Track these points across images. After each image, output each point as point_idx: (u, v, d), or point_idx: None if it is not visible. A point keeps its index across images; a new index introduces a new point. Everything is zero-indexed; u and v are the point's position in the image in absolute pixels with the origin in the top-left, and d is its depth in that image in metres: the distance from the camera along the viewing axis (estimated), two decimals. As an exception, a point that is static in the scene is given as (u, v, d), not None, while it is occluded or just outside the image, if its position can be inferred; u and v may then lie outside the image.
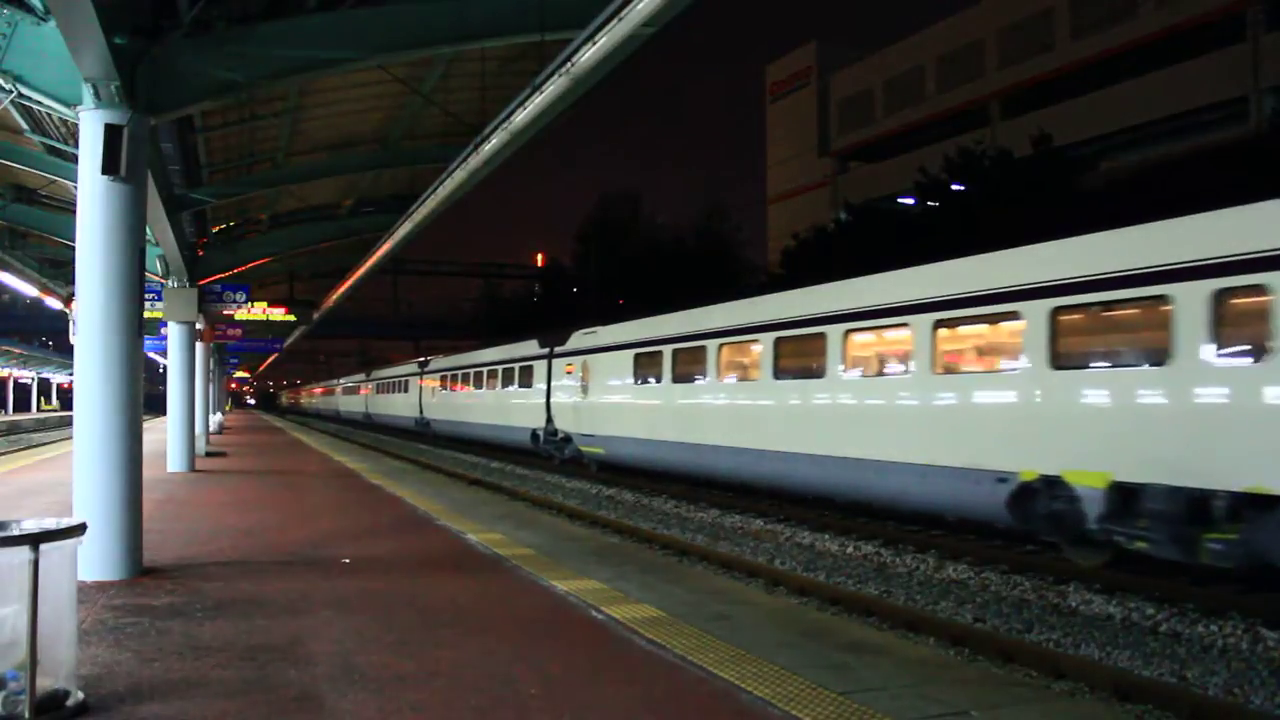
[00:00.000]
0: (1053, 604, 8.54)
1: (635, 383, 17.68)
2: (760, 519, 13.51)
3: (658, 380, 16.84)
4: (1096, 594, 8.62)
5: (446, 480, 17.81)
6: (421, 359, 38.13)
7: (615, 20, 7.04)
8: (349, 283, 24.13)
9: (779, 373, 13.51)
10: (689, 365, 15.86)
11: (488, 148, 10.52)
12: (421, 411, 35.87)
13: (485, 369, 27.65)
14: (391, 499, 12.57)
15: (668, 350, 16.51)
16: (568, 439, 20.95)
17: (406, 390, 39.05)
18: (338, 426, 55.11)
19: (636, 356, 17.59)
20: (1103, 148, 29.12)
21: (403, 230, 16.08)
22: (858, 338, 12.20)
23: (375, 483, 14.88)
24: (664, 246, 46.84)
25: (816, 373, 12.65)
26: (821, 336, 12.49)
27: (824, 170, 49.11)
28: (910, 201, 30.30)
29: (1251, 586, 8.41)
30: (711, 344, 15.13)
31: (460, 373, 30.58)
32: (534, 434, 22.90)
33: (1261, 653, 6.97)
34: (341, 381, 65.38)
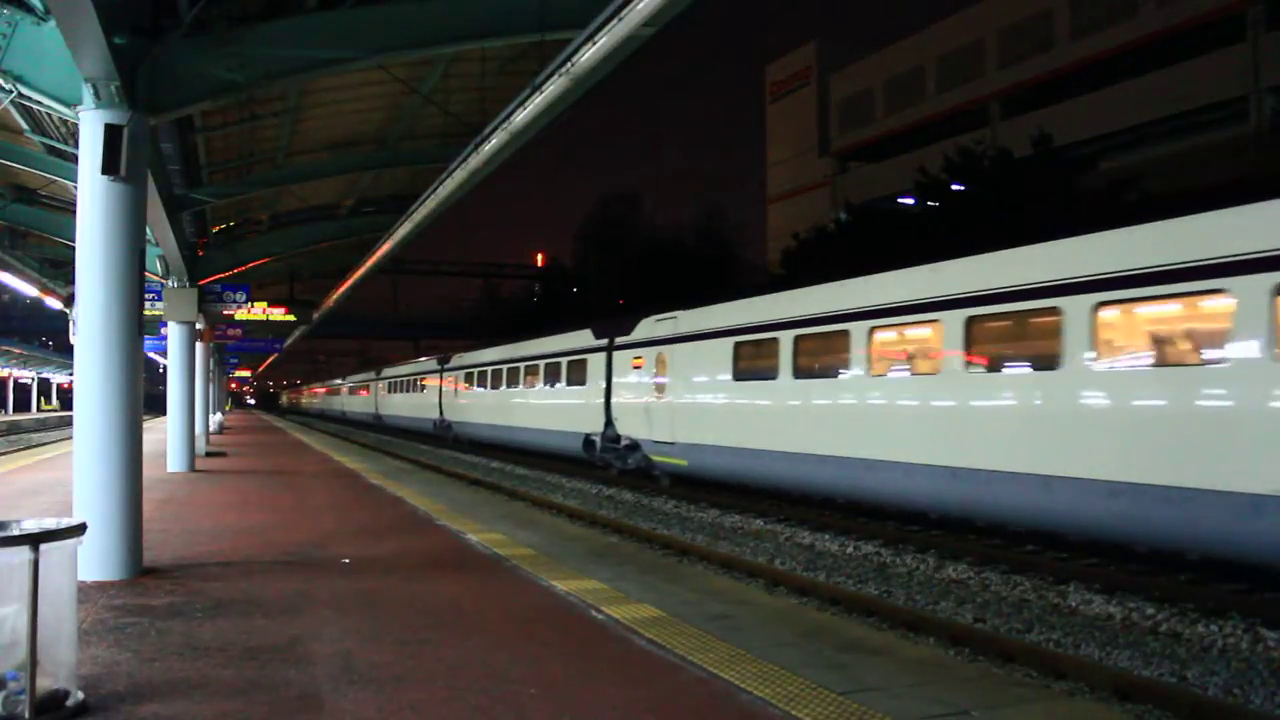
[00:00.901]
0: (1053, 604, 8.54)
1: (735, 379, 14.36)
2: (760, 519, 13.51)
3: (770, 375, 13.45)
4: (1096, 594, 8.61)
5: (446, 480, 17.81)
6: (442, 355, 34.83)
7: (615, 20, 7.04)
8: (349, 283, 24.12)
9: (990, 362, 10.20)
10: (822, 355, 12.70)
11: (488, 148, 10.52)
12: (442, 413, 32.79)
13: (523, 365, 24.35)
14: (392, 499, 12.57)
15: (787, 338, 13.13)
16: (634, 447, 17.66)
17: (424, 390, 35.98)
18: (339, 426, 54.95)
19: (738, 346, 14.30)
20: (1103, 148, 29.07)
21: (403, 230, 16.08)
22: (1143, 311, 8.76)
23: (375, 483, 14.88)
24: (664, 246, 46.83)
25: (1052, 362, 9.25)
26: (1056, 312, 9.20)
27: (824, 170, 49.08)
28: (910, 201, 30.29)
29: (1252, 586, 8.42)
30: (858, 327, 11.66)
31: (491, 370, 27.21)
32: (588, 440, 19.68)
33: (1261, 653, 6.97)
34: (347, 380, 62.58)
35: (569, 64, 7.89)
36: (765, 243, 49.46)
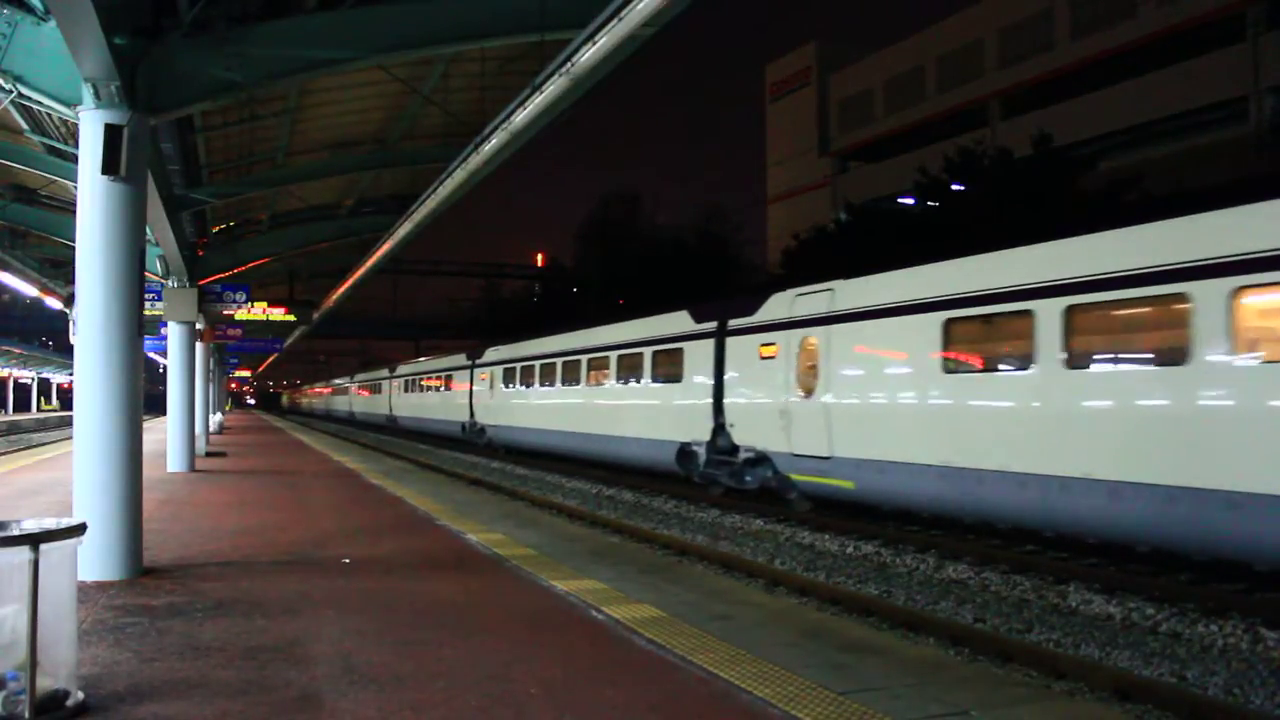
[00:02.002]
0: (1053, 604, 8.54)
1: (946, 370, 10.50)
2: (760, 519, 13.50)
3: (1019, 364, 9.72)
4: (1096, 594, 8.61)
5: (446, 480, 17.82)
6: (472, 348, 30.63)
7: (615, 20, 7.05)
8: (349, 283, 24.13)
9: None
10: (1137, 332, 9.10)
11: (488, 148, 10.52)
12: (473, 415, 28.77)
13: (585, 358, 20.35)
14: (392, 499, 12.57)
15: (1052, 310, 9.16)
16: (758, 461, 13.82)
17: (449, 388, 32.08)
18: (339, 426, 54.76)
19: (951, 325, 10.45)
20: (1103, 148, 29.10)
21: (403, 230, 16.09)
22: None
23: (375, 483, 14.89)
24: (664, 246, 46.83)
25: None
26: None
27: (824, 170, 49.12)
28: (910, 201, 30.30)
29: (1252, 586, 8.42)
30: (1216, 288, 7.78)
31: (540, 364, 23.00)
32: (685, 451, 15.79)
33: (1261, 653, 6.97)
34: (356, 379, 58.43)
35: (569, 64, 7.89)
36: (765, 243, 49.50)
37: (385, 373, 46.41)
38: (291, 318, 23.49)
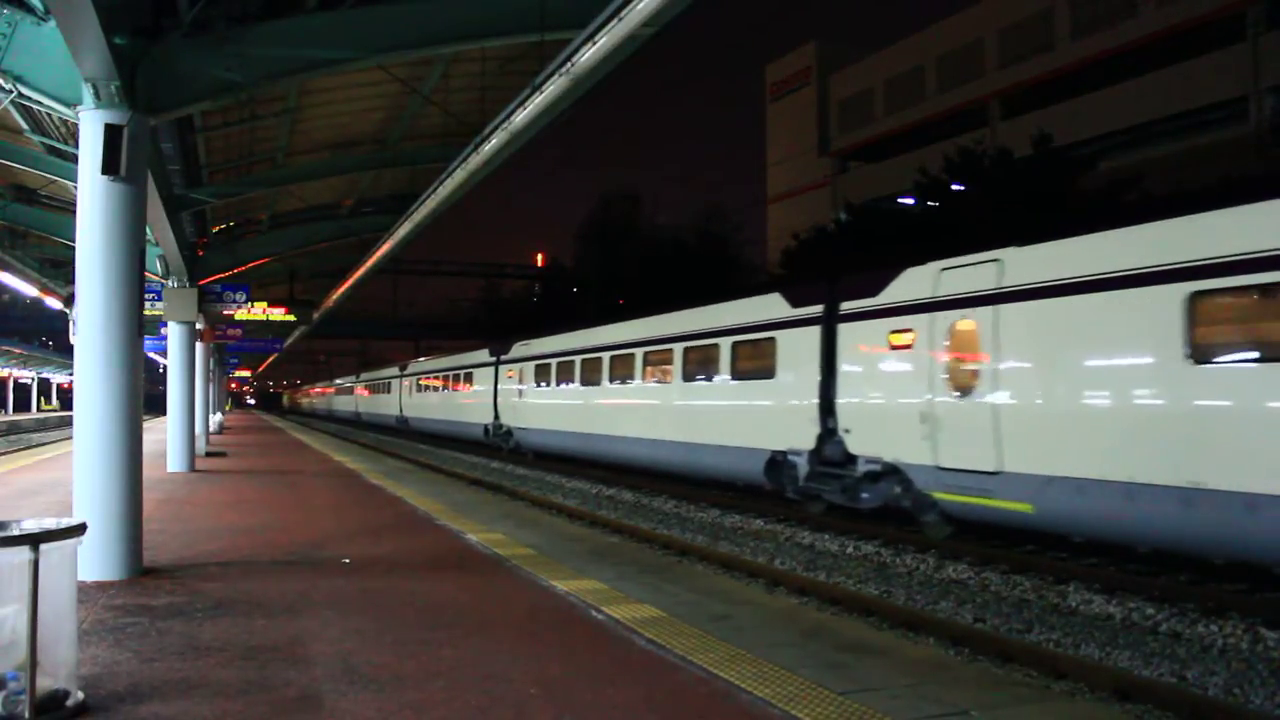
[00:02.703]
0: (1053, 604, 8.54)
1: (1198, 359, 7.96)
2: (760, 519, 13.50)
3: None
4: (1096, 594, 8.61)
5: (446, 480, 17.81)
6: (497, 343, 28.07)
7: (615, 20, 7.05)
8: (349, 283, 24.13)
9: None
10: None
11: (488, 148, 10.52)
12: (497, 416, 26.52)
13: (639, 352, 17.78)
14: (392, 499, 12.57)
15: None
16: (886, 474, 11.49)
17: (470, 388, 29.79)
18: (339, 427, 54.68)
19: (1196, 299, 8.01)
20: (1103, 148, 29.10)
21: (403, 230, 16.09)
22: None
23: (375, 483, 14.88)
24: (664, 246, 46.84)
25: None
26: None
27: (824, 170, 49.11)
28: (910, 201, 30.30)
29: (1252, 586, 8.42)
30: None
31: (581, 359, 20.52)
32: (776, 460, 13.47)
33: (1261, 653, 6.97)
34: (362, 378, 56.31)
35: (569, 64, 7.89)
36: (765, 243, 49.50)
37: (395, 371, 44.18)
38: (291, 318, 23.49)
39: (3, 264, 18.74)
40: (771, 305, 13.99)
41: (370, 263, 20.29)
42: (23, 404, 72.56)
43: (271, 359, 63.56)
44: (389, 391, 44.82)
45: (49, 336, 62.79)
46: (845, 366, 12.20)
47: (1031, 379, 9.60)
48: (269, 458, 21.05)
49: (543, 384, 23.12)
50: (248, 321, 21.91)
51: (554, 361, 22.38)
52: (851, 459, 12.03)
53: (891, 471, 11.42)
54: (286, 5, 8.48)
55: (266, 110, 12.82)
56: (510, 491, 17.63)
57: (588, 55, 7.58)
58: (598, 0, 7.15)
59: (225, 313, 18.54)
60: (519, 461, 24.54)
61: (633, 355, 18.12)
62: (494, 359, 27.29)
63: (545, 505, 15.54)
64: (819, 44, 50.61)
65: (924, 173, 27.55)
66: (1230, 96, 29.26)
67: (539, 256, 68.87)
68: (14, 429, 45.36)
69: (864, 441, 11.81)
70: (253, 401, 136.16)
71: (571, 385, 21.17)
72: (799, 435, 12.90)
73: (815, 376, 12.64)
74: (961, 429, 10.20)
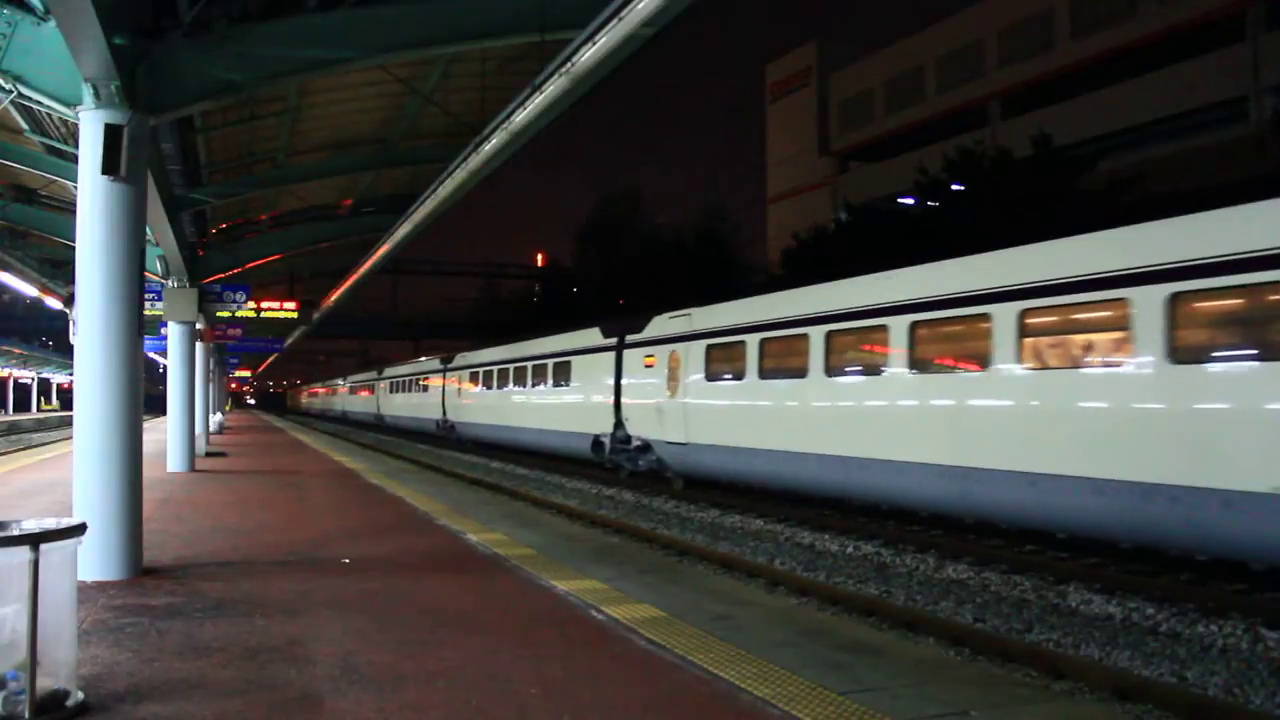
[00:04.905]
0: (1053, 604, 8.54)
1: None
2: (760, 519, 13.50)
3: None
4: (1096, 594, 8.62)
5: (446, 480, 17.81)
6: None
7: (615, 20, 7.05)
8: (349, 283, 24.14)
9: None
10: None
11: (488, 148, 10.53)
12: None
13: (828, 333, 12.39)
14: (392, 499, 12.57)
15: None
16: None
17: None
18: (336, 426, 54.50)
19: None
20: (1103, 148, 29.10)
21: (403, 230, 16.09)
22: None
23: (375, 483, 14.88)
24: (664, 246, 46.83)
25: None
26: None
27: (824, 170, 49.14)
28: (910, 201, 30.31)
29: (1252, 586, 8.42)
30: None
31: (759, 339, 13.91)
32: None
33: (1261, 653, 6.97)
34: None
35: (569, 64, 7.90)
36: (765, 243, 49.50)
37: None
38: (294, 314, 23.50)
39: (3, 264, 18.74)
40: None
41: (370, 263, 20.29)
42: (23, 404, 72.57)
43: (272, 359, 63.59)
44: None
45: (49, 336, 62.77)
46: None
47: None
48: (269, 458, 21.04)
49: (694, 374, 16.64)
50: (248, 321, 21.92)
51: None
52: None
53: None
54: (286, 5, 8.48)
55: (266, 110, 12.83)
56: (510, 491, 17.63)
57: (588, 55, 7.58)
58: (598, 0, 7.16)
59: (227, 313, 18.56)
60: (519, 461, 24.53)
61: (831, 338, 13.76)
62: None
63: (545, 505, 15.53)
64: (819, 44, 50.63)
65: (924, 173, 27.56)
66: (1230, 96, 29.26)
67: (539, 256, 68.91)
68: (14, 429, 45.36)
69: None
70: (252, 401, 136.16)
71: (736, 381, 15.75)
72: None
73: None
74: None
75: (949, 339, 10.99)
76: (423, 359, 37.44)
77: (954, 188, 26.55)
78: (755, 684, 4.41)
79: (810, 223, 35.52)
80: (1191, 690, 6.21)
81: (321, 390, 78.05)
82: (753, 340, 13.98)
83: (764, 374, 13.73)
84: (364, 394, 50.69)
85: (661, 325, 17.05)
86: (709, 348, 15.26)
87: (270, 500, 12.33)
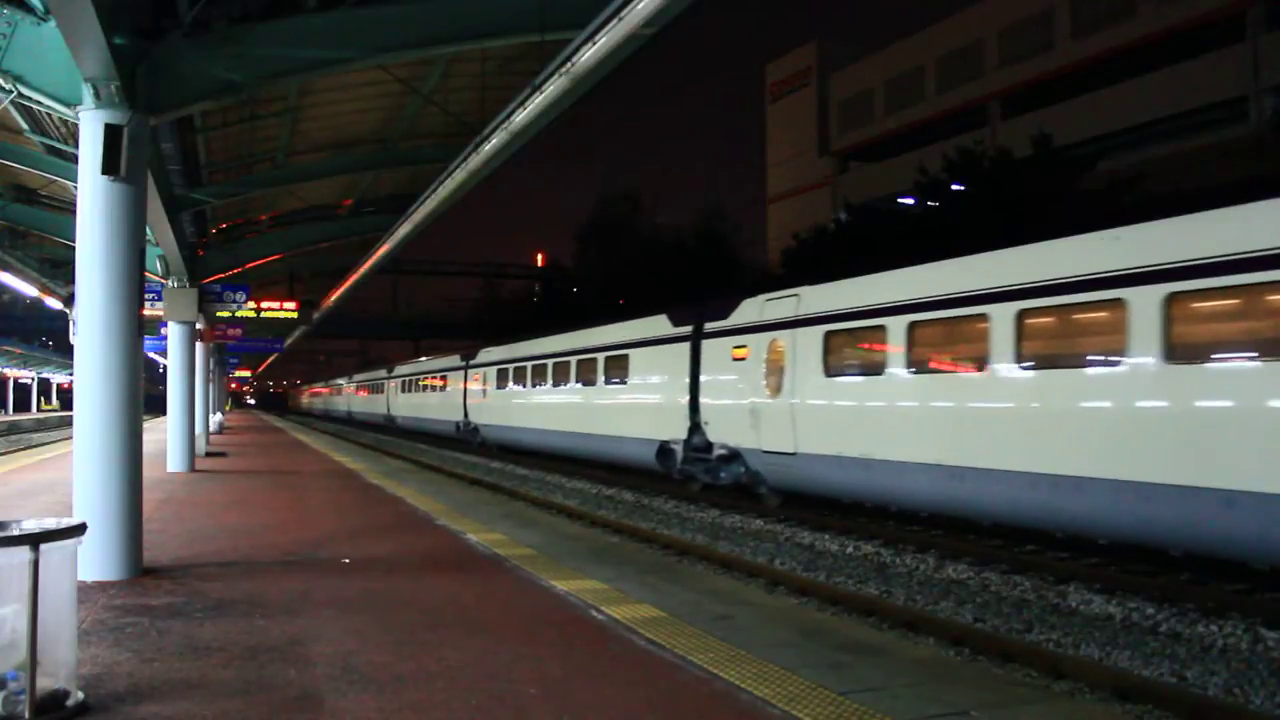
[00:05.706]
0: (1053, 604, 8.54)
1: None
2: (760, 519, 13.50)
3: None
4: (1096, 594, 8.62)
5: (446, 480, 17.81)
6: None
7: (615, 20, 7.05)
8: (349, 283, 24.13)
9: None
10: None
11: (488, 148, 10.53)
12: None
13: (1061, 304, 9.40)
14: (392, 499, 12.57)
15: None
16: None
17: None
18: (338, 426, 54.39)
19: None
20: (1103, 148, 29.10)
21: (403, 230, 16.09)
22: None
23: (375, 483, 14.88)
24: (664, 246, 46.80)
25: None
26: None
27: (824, 170, 49.16)
28: (910, 201, 30.30)
29: (1252, 586, 8.42)
30: None
31: (907, 322, 11.11)
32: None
33: (1261, 653, 6.97)
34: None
35: (569, 64, 7.89)
36: (765, 243, 49.51)
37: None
38: (294, 314, 23.50)
39: (3, 264, 18.74)
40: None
41: (370, 263, 20.29)
42: (23, 404, 72.58)
43: (272, 359, 63.60)
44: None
45: (49, 336, 62.77)
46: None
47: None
48: (269, 458, 21.05)
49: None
50: (248, 321, 21.92)
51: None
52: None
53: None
54: (286, 5, 8.48)
55: (266, 110, 12.83)
56: (510, 491, 17.63)
57: (588, 55, 7.58)
58: (598, 0, 7.16)
59: (228, 312, 18.55)
60: (519, 461, 24.48)
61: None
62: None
63: (545, 505, 15.53)
64: (819, 44, 50.65)
65: (924, 173, 27.55)
66: (1230, 96, 29.26)
67: (539, 256, 68.91)
68: (14, 429, 45.36)
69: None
70: (252, 401, 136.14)
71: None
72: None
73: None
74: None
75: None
76: (438, 355, 34.24)
77: (954, 188, 26.54)
78: (755, 684, 4.41)
79: (810, 223, 35.51)
80: (1191, 690, 6.21)
81: (325, 390, 76.95)
82: (897, 324, 11.14)
83: (914, 366, 10.95)
84: (372, 394, 47.94)
85: (755, 309, 14.05)
86: (828, 335, 12.34)
87: (270, 500, 12.33)
